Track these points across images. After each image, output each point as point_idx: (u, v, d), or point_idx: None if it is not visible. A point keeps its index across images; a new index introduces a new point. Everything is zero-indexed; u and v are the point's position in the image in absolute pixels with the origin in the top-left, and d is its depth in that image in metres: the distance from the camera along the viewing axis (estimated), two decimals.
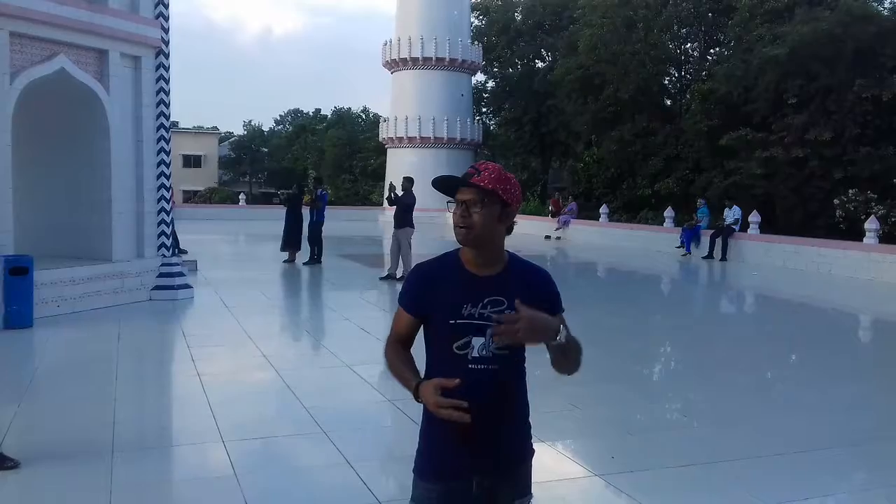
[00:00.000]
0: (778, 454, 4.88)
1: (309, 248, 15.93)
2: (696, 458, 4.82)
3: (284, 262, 15.82)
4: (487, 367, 2.11)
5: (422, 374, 2.17)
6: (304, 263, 15.68)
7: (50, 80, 9.45)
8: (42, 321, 8.70)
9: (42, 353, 7.75)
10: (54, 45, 9.44)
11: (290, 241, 16.06)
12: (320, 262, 15.77)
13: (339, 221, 16.37)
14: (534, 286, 2.20)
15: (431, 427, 2.18)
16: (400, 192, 13.55)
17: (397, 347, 2.26)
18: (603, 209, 26.01)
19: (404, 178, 13.87)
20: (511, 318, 1.95)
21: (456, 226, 2.13)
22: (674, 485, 4.39)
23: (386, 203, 15.94)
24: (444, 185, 2.18)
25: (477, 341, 2.11)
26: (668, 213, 22.66)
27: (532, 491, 2.30)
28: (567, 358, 2.13)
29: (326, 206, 16.33)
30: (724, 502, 4.12)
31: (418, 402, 2.09)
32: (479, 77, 44.26)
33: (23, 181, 9.46)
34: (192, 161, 61.55)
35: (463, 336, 2.11)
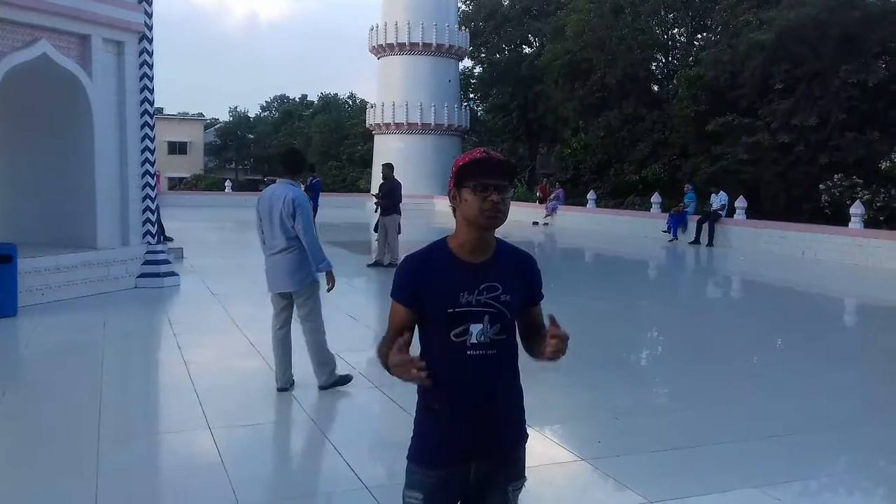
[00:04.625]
0: (763, 438, 4.93)
1: None
2: (682, 442, 4.85)
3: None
4: (486, 352, 2.13)
5: None
6: None
7: (32, 66, 9.31)
8: (26, 309, 8.63)
9: (27, 341, 7.69)
10: (36, 30, 9.29)
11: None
12: None
13: (327, 208, 16.40)
14: (524, 271, 2.24)
15: (430, 413, 2.18)
16: (382, 186, 13.41)
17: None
18: (590, 195, 26.04)
19: (384, 165, 13.79)
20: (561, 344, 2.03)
21: (493, 211, 2.08)
22: (660, 469, 4.42)
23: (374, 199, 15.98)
24: (483, 167, 2.10)
25: (475, 328, 2.11)
26: (655, 198, 22.72)
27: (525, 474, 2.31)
28: None
29: (319, 194, 16.30)
30: (709, 486, 4.15)
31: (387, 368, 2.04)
32: (467, 63, 44.19)
33: (5, 168, 9.35)
34: (177, 148, 61.13)
35: (461, 324, 2.11)
